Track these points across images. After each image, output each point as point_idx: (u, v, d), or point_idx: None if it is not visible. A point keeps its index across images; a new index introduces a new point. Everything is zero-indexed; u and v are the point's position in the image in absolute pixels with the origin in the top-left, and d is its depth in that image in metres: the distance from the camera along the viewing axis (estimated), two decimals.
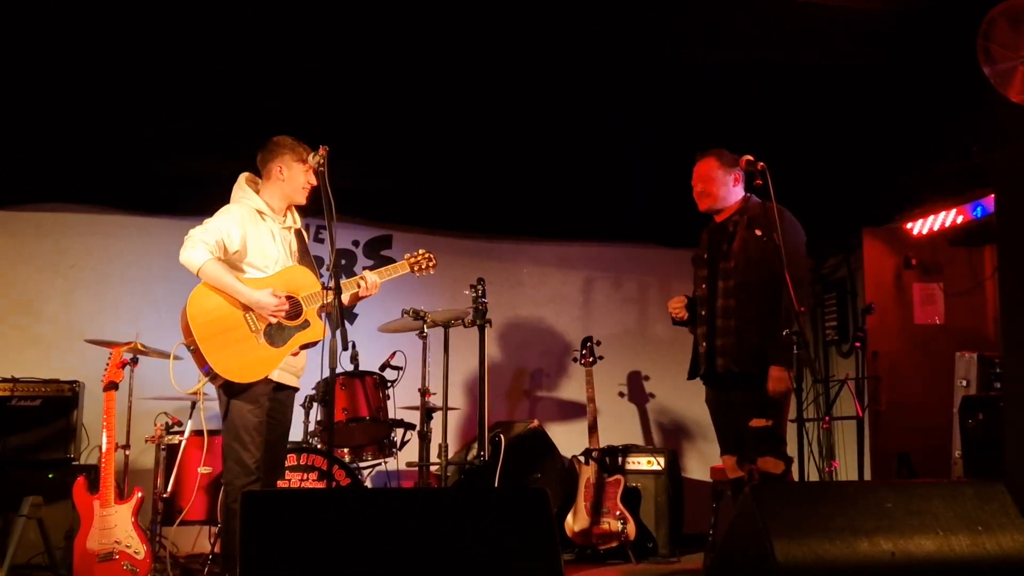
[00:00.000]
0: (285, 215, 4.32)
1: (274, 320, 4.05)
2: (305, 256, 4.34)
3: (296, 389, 4.32)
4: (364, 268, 6.80)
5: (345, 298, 4.16)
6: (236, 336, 4.03)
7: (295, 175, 4.23)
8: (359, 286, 4.25)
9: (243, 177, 4.32)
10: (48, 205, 6.40)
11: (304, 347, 4.18)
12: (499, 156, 6.36)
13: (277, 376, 4.14)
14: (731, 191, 4.55)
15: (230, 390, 4.07)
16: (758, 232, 4.41)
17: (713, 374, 4.53)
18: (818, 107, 5.68)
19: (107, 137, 5.85)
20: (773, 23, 4.77)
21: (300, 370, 4.28)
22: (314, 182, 4.23)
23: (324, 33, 4.92)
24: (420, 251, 4.52)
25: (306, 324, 4.13)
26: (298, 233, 4.37)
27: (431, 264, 4.52)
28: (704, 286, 4.59)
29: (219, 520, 5.05)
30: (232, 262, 4.13)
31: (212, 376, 4.05)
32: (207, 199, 6.27)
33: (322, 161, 3.85)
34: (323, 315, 4.18)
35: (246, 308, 4.06)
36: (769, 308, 4.32)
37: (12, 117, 5.54)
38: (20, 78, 5.17)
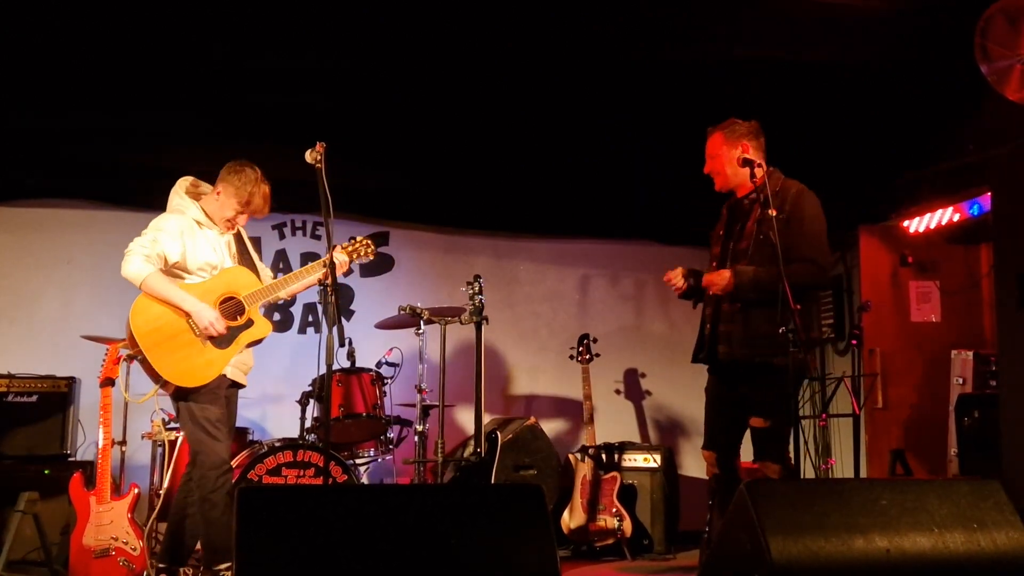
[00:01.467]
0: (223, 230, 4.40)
1: (210, 332, 4.12)
2: (244, 257, 4.43)
3: (243, 386, 4.41)
4: (360, 264, 6.84)
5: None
6: (181, 341, 4.13)
7: (224, 207, 4.31)
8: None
9: (181, 184, 4.41)
10: (45, 201, 6.40)
11: (250, 345, 4.28)
12: (497, 154, 6.36)
13: (230, 373, 4.25)
14: (757, 179, 4.14)
15: (182, 393, 4.16)
16: (772, 212, 4.08)
17: (716, 361, 4.34)
18: (816, 105, 5.68)
19: (104, 134, 5.85)
20: (771, 22, 4.77)
21: (249, 368, 4.38)
22: (239, 224, 4.38)
23: (323, 32, 4.92)
24: (360, 238, 4.52)
25: (250, 323, 4.24)
26: (237, 236, 4.47)
27: (369, 252, 4.50)
28: (715, 264, 4.41)
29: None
30: (172, 271, 4.23)
31: (163, 383, 4.14)
32: None
33: (319, 157, 3.85)
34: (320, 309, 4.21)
35: (188, 314, 4.15)
36: (783, 295, 4.01)
37: (9, 113, 5.53)
38: (18, 74, 5.16)
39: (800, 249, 4.11)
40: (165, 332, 4.13)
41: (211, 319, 4.12)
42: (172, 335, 4.13)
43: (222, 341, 4.17)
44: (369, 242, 4.53)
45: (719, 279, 4.22)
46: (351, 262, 4.45)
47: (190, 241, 4.24)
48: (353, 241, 4.51)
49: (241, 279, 4.30)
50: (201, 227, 4.31)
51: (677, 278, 4.38)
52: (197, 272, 4.25)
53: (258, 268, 4.47)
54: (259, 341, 4.31)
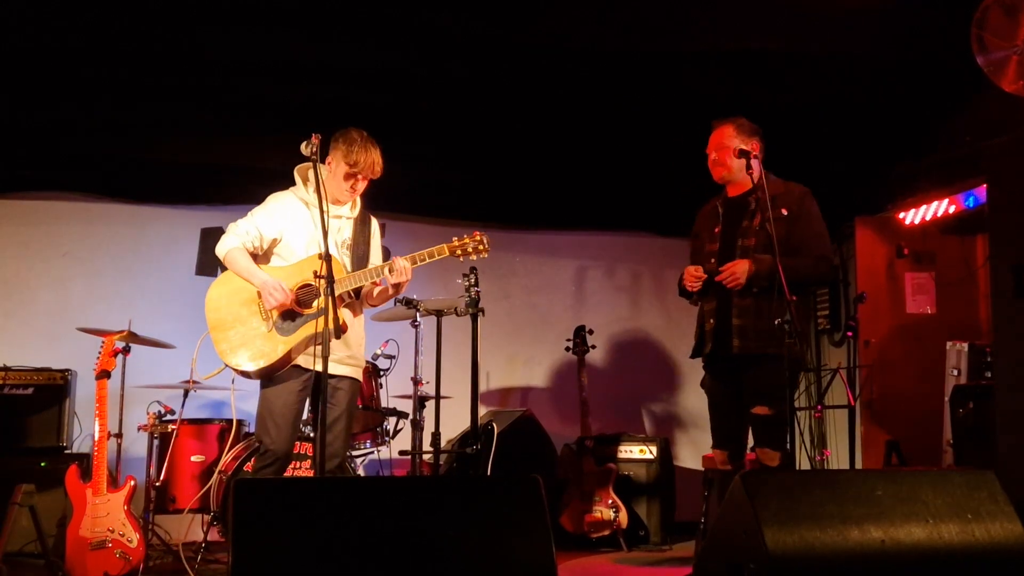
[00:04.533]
0: (347, 202, 4.30)
1: (270, 303, 4.03)
2: (359, 245, 4.28)
3: (349, 378, 4.20)
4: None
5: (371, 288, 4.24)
6: (248, 325, 4.09)
7: (338, 174, 4.19)
8: (387, 272, 4.11)
9: (301, 166, 4.29)
10: (41, 193, 6.39)
11: (316, 338, 4.03)
12: (492, 146, 6.35)
13: (307, 363, 4.08)
14: (753, 170, 4.31)
15: (263, 377, 4.12)
16: (784, 211, 4.26)
17: (723, 356, 4.33)
18: (812, 97, 5.68)
19: (100, 126, 5.83)
20: (767, 14, 4.77)
21: (346, 357, 4.17)
22: (359, 190, 4.25)
23: (319, 23, 4.90)
24: (475, 233, 4.20)
25: (320, 312, 4.00)
26: (359, 221, 4.33)
27: (482, 248, 4.16)
28: (714, 261, 4.38)
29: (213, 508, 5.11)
30: (276, 252, 4.20)
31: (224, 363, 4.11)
32: (200, 188, 6.26)
33: (315, 149, 3.84)
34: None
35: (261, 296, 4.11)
36: (779, 287, 4.07)
37: (4, 105, 5.52)
38: (13, 66, 5.14)
39: (811, 247, 4.27)
40: (234, 314, 4.09)
41: (273, 289, 4.01)
42: (239, 317, 4.08)
43: (286, 328, 4.07)
44: (483, 238, 4.16)
45: (740, 269, 4.22)
46: (461, 258, 4.17)
47: (291, 221, 4.18)
48: (463, 238, 4.17)
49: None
50: (308, 207, 4.22)
51: (698, 283, 4.36)
52: (289, 256, 4.17)
53: (370, 258, 4.30)
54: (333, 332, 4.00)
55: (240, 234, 4.16)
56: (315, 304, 4.08)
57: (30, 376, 5.57)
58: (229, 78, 5.38)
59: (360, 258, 4.27)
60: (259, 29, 4.91)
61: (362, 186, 4.24)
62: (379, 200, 6.78)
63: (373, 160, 4.19)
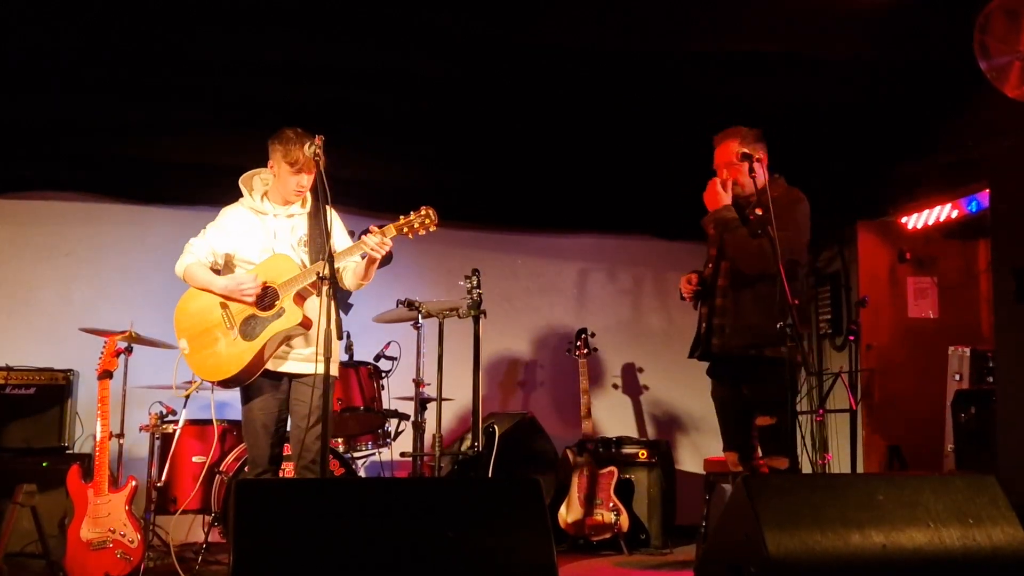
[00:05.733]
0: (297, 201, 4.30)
1: (247, 300, 4.06)
2: (315, 241, 4.23)
3: (318, 375, 3.98)
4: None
5: (348, 273, 4.22)
6: (214, 336, 4.13)
7: (283, 176, 4.19)
8: (366, 247, 4.07)
9: (245, 175, 4.34)
10: (44, 193, 6.39)
11: (287, 337, 4.09)
12: (495, 148, 6.35)
13: (275, 366, 4.12)
14: (756, 174, 4.27)
15: (237, 385, 4.15)
16: (758, 211, 4.24)
17: (711, 356, 4.46)
18: (814, 100, 5.67)
19: (103, 126, 5.83)
20: (767, 14, 4.76)
21: (309, 356, 4.10)
22: (306, 185, 4.22)
23: (319, 23, 4.90)
24: (422, 209, 4.08)
25: (281, 313, 4.08)
26: (312, 215, 4.29)
27: (429, 222, 4.05)
28: (711, 265, 4.52)
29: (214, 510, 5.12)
30: (235, 264, 4.22)
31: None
32: (202, 188, 6.26)
33: (318, 151, 3.84)
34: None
35: (223, 306, 4.12)
36: (768, 290, 4.14)
37: (8, 105, 5.52)
38: (14, 66, 5.14)
39: (783, 221, 4.17)
40: (199, 327, 4.15)
41: (237, 285, 4.05)
42: (205, 329, 4.13)
43: (251, 333, 4.07)
44: (429, 212, 4.04)
45: (717, 194, 4.35)
46: (410, 235, 4.10)
47: (243, 230, 4.22)
48: (409, 215, 4.07)
49: (281, 266, 4.13)
50: (258, 214, 4.26)
51: (689, 290, 4.54)
52: (247, 263, 4.19)
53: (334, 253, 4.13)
54: (296, 330, 4.07)
55: (196, 251, 4.23)
56: (275, 306, 4.09)
57: (32, 376, 5.58)
58: (229, 78, 5.38)
59: (319, 250, 4.17)
60: (259, 29, 4.91)
61: (308, 181, 4.20)
62: (379, 200, 6.85)
63: (308, 157, 4.08)
